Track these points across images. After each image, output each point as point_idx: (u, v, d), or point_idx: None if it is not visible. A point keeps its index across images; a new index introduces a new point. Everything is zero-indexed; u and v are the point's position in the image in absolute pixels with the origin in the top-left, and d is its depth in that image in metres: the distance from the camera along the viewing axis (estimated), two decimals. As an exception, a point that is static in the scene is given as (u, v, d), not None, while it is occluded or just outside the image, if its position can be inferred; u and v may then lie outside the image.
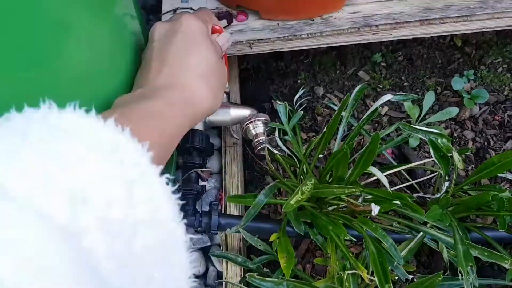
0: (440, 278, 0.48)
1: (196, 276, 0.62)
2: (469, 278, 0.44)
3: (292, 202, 0.46)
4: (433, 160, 0.69)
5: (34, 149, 0.22)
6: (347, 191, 0.51)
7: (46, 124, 0.24)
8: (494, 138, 0.70)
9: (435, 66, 0.77)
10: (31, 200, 0.20)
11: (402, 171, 0.64)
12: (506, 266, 0.48)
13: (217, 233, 0.59)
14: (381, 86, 0.75)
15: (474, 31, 0.62)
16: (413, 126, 0.48)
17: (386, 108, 0.73)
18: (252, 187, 0.69)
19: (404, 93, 0.55)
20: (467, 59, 0.77)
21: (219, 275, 0.61)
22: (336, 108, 0.68)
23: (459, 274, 0.45)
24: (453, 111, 0.67)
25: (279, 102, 0.56)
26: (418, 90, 0.75)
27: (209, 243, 0.62)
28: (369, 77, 0.76)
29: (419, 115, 0.70)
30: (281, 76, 0.78)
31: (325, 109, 0.74)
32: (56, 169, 0.21)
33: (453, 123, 0.72)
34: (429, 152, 0.70)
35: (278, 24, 0.61)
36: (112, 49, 0.43)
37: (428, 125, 0.70)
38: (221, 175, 0.67)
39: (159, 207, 0.25)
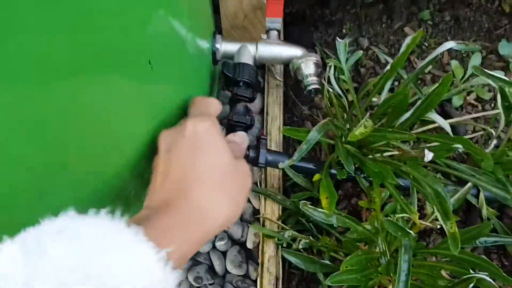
0: (490, 227, 0.49)
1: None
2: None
3: (357, 133, 0.45)
4: (475, 120, 0.69)
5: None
6: (399, 137, 0.51)
7: (97, 240, 0.25)
8: (536, 106, 0.70)
9: (481, 29, 0.76)
10: None
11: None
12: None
13: (264, 167, 0.58)
14: (426, 44, 0.74)
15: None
16: (485, 70, 0.47)
17: (430, 67, 0.72)
18: (291, 131, 0.68)
19: (465, 42, 0.53)
20: (514, 26, 0.76)
21: (254, 211, 0.61)
22: (386, 57, 0.67)
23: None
24: (499, 74, 0.66)
25: (339, 40, 0.54)
26: (463, 52, 0.74)
27: (247, 181, 0.62)
28: (414, 33, 0.75)
29: (463, 76, 0.69)
30: (326, 24, 0.76)
31: (368, 61, 0.72)
32: None
33: (496, 87, 0.72)
34: (470, 113, 0.70)
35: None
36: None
37: (471, 86, 0.69)
38: (262, 115, 0.66)
39: None
